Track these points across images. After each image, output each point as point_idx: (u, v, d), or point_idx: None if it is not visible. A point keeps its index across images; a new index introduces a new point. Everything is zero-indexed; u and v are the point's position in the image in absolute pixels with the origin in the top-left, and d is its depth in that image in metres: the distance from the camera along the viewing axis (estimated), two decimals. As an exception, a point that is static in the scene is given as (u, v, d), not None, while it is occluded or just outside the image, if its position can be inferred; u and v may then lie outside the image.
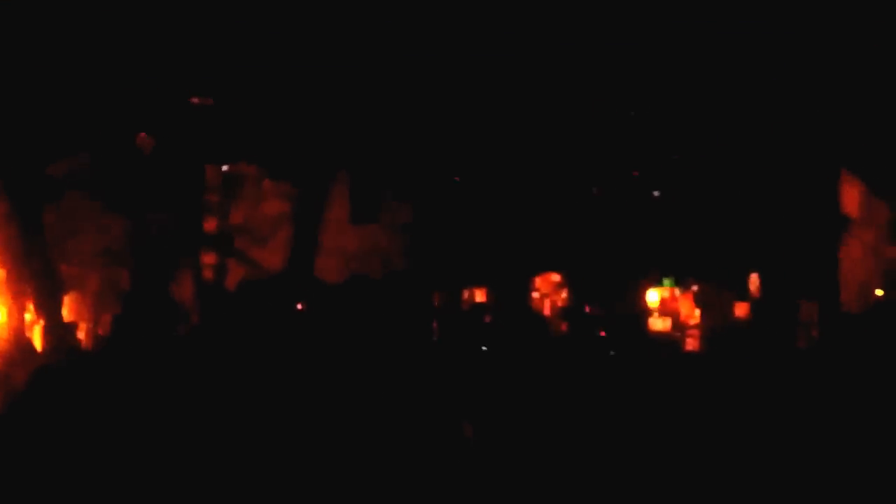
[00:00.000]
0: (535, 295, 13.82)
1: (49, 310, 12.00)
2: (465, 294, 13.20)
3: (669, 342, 12.94)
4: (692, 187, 12.69)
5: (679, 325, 13.36)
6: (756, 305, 12.38)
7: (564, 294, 13.78)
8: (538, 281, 13.93)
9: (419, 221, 13.66)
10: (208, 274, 13.18)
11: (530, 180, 13.23)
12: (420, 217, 13.67)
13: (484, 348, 12.40)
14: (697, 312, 13.25)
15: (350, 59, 11.96)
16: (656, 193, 12.90)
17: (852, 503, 7.16)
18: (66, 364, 11.11)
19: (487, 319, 13.09)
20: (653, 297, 13.54)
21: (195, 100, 12.55)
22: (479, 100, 12.22)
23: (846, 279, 12.10)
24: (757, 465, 7.83)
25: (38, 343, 11.81)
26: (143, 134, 12.50)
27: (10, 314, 11.83)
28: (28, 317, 11.99)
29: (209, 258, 13.27)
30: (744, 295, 12.66)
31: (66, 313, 12.28)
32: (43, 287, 12.03)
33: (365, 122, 12.79)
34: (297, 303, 12.86)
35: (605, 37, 11.11)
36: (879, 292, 12.12)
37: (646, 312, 13.38)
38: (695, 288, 13.36)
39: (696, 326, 13.16)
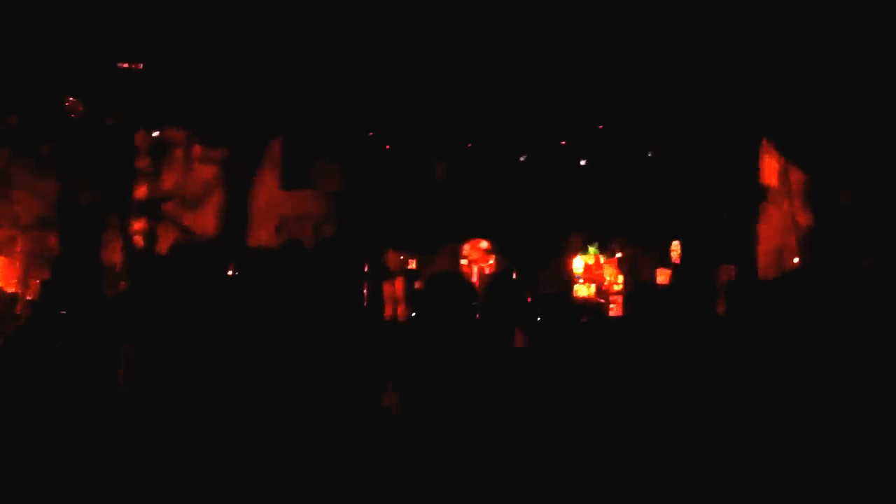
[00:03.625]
0: (464, 261, 14.01)
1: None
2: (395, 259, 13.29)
3: (594, 307, 13.18)
4: (617, 156, 12.92)
5: (603, 292, 13.65)
6: (677, 271, 12.66)
7: (492, 260, 14.00)
8: (467, 247, 14.13)
9: (350, 188, 13.76)
10: (139, 239, 13.19)
11: (460, 148, 13.39)
12: (351, 183, 13.76)
13: (413, 314, 12.58)
14: (621, 279, 13.53)
15: (281, 24, 11.94)
16: (583, 162, 13.12)
17: (765, 463, 7.45)
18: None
19: (417, 286, 13.24)
20: (578, 263, 13.79)
21: (125, 64, 12.48)
22: (410, 68, 12.30)
23: (763, 246, 12.43)
24: (674, 427, 8.07)
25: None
26: (72, 98, 12.42)
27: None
28: (-42, 281, 11.94)
29: (140, 223, 13.27)
30: (665, 261, 12.95)
31: (-5, 278, 12.24)
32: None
33: (296, 88, 12.81)
34: (228, 268, 12.91)
35: (531, 10, 11.21)
36: (796, 260, 12.44)
37: (571, 278, 13.63)
38: (619, 255, 13.63)
39: (619, 292, 13.44)
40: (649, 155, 12.78)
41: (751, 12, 11.20)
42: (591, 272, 13.76)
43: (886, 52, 10.79)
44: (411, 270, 12.96)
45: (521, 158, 13.34)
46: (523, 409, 8.31)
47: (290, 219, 13.89)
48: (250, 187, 13.82)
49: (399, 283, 12.65)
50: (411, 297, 12.63)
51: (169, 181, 13.53)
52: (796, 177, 12.58)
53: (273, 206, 13.90)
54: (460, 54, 12.05)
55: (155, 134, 13.36)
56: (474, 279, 13.54)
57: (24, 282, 12.21)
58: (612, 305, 13.33)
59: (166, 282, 12.35)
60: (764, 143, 12.61)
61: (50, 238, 12.59)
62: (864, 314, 10.07)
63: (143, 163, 13.32)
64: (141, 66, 12.50)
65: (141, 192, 13.35)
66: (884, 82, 11.03)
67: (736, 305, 12.03)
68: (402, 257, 12.84)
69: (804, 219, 12.42)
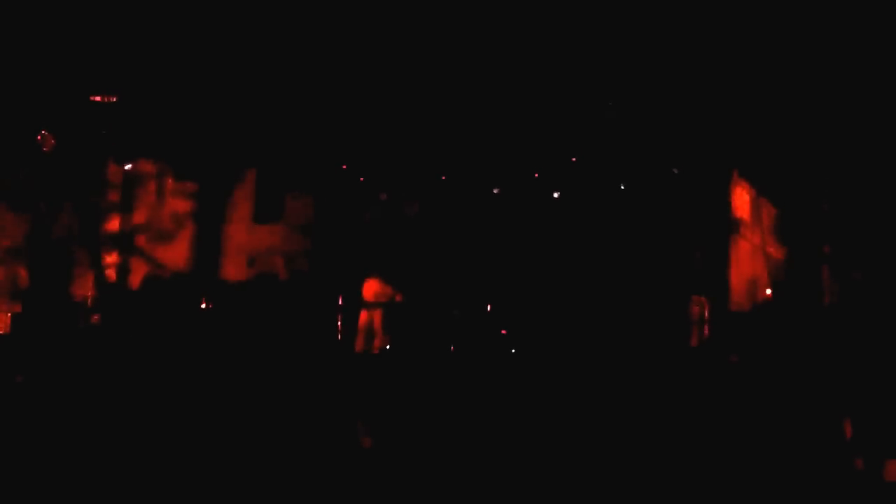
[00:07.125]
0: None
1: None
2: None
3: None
4: (589, 189, 12.96)
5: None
6: (651, 303, 12.65)
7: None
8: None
9: (322, 221, 13.72)
10: (110, 272, 13.11)
11: (433, 181, 13.40)
12: (322, 217, 13.73)
13: (388, 347, 12.53)
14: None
15: (254, 58, 11.95)
16: (556, 195, 13.15)
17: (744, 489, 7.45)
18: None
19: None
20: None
21: (97, 97, 12.44)
22: (383, 101, 12.32)
23: (736, 278, 12.50)
24: (646, 456, 8.06)
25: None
26: (43, 131, 12.36)
27: None
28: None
29: (111, 257, 13.19)
30: (640, 294, 12.93)
31: (-35, 312, 12.11)
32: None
33: (269, 122, 12.80)
34: (201, 302, 12.85)
35: (506, 43, 11.27)
36: (768, 291, 12.54)
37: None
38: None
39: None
40: (622, 187, 12.83)
41: (724, 47, 11.31)
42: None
43: (856, 87, 10.93)
44: (393, 302, 12.82)
45: (495, 191, 13.37)
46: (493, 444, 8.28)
47: (263, 252, 13.86)
48: (223, 220, 13.78)
49: (377, 315, 12.61)
50: (389, 329, 12.57)
51: (141, 214, 13.48)
52: (768, 209, 12.69)
53: (246, 239, 13.87)
54: (434, 88, 12.08)
55: (127, 167, 13.31)
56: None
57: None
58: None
59: (138, 316, 12.28)
60: (735, 176, 12.70)
61: (20, 271, 12.50)
62: (833, 344, 10.12)
63: (114, 196, 13.26)
64: (115, 98, 12.44)
65: (113, 224, 13.29)
66: (854, 114, 11.16)
67: (709, 336, 12.14)
68: (382, 288, 12.76)
69: (776, 251, 12.52)
